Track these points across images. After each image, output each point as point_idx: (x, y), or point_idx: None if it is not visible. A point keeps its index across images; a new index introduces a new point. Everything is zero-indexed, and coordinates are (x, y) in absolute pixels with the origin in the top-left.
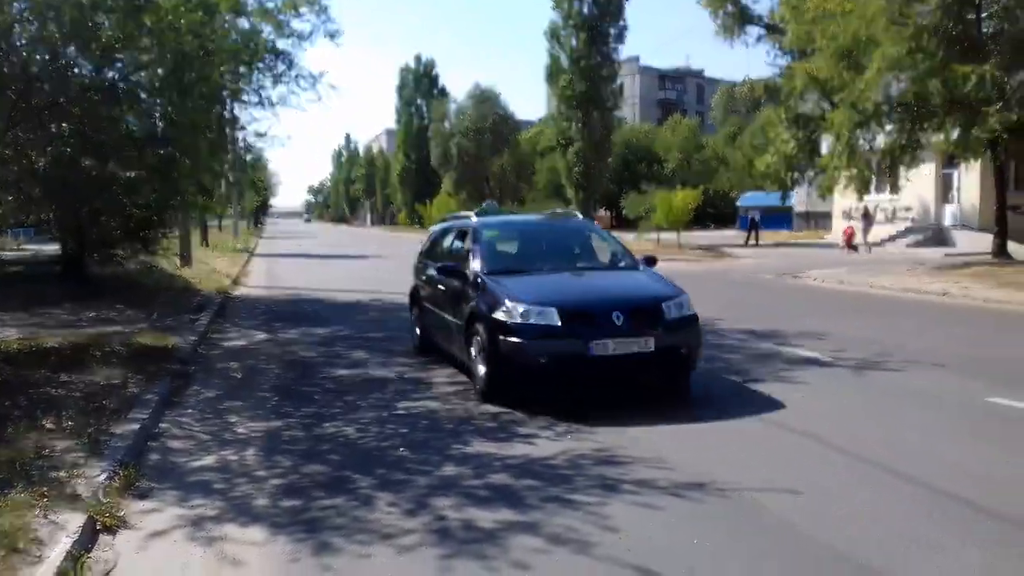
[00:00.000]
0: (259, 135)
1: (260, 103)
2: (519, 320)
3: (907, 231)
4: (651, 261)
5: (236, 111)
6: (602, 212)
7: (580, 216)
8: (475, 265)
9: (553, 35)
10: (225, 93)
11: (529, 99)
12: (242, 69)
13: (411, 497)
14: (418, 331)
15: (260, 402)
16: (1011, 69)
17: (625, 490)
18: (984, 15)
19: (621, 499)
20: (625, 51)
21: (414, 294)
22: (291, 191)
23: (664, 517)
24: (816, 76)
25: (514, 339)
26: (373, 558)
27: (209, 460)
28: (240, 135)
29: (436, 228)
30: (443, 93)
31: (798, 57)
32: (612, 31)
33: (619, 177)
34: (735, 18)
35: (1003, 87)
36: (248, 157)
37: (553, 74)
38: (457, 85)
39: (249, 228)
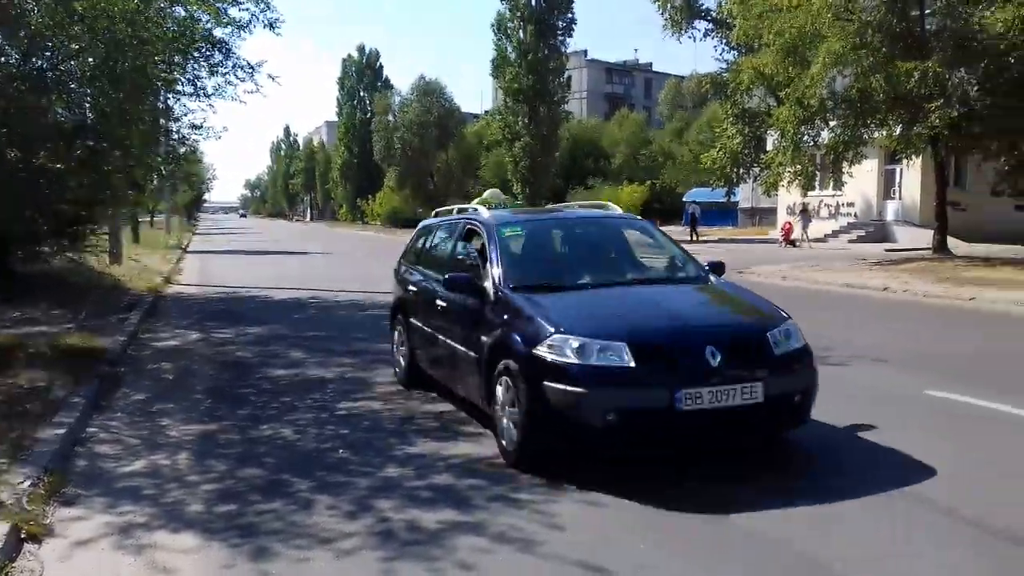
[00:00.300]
0: (194, 127)
1: (195, 94)
2: (573, 359)
3: (849, 226)
4: (718, 268)
5: (170, 102)
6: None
7: (617, 209)
8: (495, 276)
9: (500, 28)
10: (159, 83)
11: (475, 92)
12: (177, 58)
13: (352, 499)
14: (403, 359)
15: (193, 404)
16: (953, 66)
17: (570, 488)
18: (928, 12)
19: (567, 497)
20: (573, 44)
21: (398, 309)
22: (227, 186)
23: (610, 514)
24: (762, 71)
25: (567, 387)
26: (312, 562)
27: (139, 465)
28: (174, 127)
29: (426, 224)
30: (387, 85)
31: (745, 52)
32: (560, 24)
33: (566, 172)
34: (683, 12)
35: (944, 84)
36: (182, 150)
37: (499, 67)
38: (401, 77)
39: (183, 224)
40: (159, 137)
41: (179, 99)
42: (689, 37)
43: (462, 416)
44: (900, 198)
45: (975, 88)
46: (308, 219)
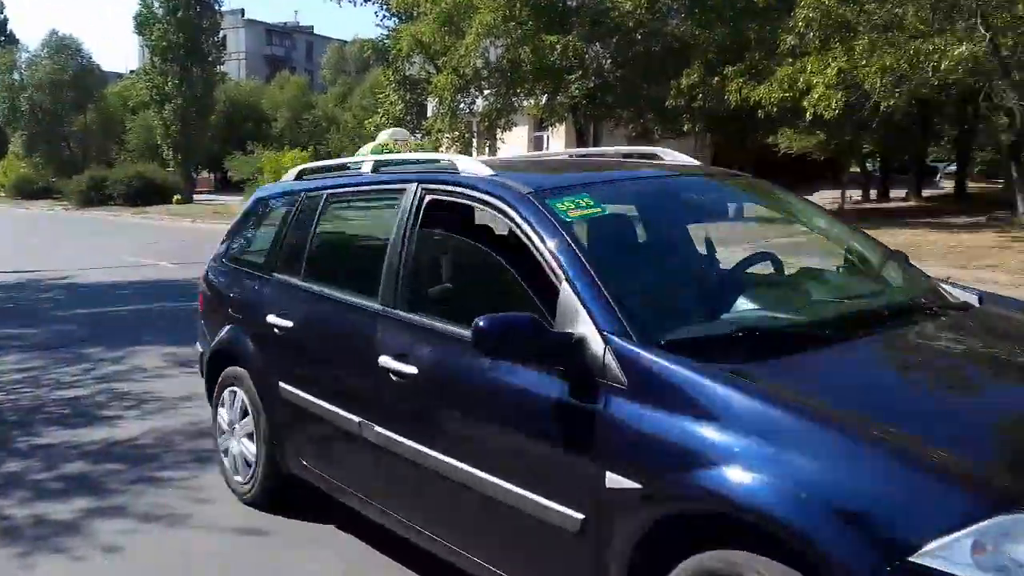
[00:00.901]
0: None
1: None
2: None
3: None
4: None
5: None
6: (205, 174)
7: (690, 161)
8: (599, 320)
9: None
10: None
11: (119, 50)
12: None
13: None
14: (250, 458)
15: None
16: (590, 40)
17: (215, 464)
18: None
19: (213, 471)
20: (228, 2)
21: (232, 359)
22: None
23: None
24: (421, 39)
25: None
26: None
27: None
28: None
29: (272, 192)
30: (11, 40)
31: (405, 19)
32: None
33: (223, 136)
34: None
35: (583, 57)
36: None
37: (144, 23)
38: (30, 33)
39: None
40: None
41: None
42: (350, 2)
43: (102, 400)
44: None
45: (608, 61)
46: None
